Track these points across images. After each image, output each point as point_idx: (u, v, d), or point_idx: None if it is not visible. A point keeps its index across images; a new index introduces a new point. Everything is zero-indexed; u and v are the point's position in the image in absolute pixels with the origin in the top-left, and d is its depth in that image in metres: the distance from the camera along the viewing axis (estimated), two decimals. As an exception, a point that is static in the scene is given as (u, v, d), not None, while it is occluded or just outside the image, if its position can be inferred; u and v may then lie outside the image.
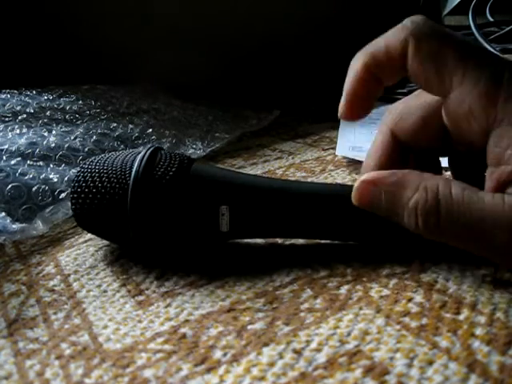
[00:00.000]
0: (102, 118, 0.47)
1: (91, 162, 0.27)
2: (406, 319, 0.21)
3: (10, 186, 0.33)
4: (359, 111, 0.25)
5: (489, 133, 0.21)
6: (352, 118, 0.25)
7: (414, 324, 0.21)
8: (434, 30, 0.22)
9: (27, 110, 0.44)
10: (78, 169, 0.27)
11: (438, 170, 0.27)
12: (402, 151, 0.26)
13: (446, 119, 0.23)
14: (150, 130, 0.47)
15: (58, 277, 0.27)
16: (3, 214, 0.31)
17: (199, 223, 0.26)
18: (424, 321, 0.21)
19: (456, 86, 0.22)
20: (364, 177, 0.23)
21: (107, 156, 0.27)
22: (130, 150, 0.28)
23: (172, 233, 0.26)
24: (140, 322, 0.23)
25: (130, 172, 0.26)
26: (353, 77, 0.24)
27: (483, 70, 0.21)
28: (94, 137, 0.43)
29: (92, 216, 0.26)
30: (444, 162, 0.27)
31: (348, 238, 0.27)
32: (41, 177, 0.35)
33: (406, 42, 0.22)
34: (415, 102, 0.25)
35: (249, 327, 0.22)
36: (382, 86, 0.25)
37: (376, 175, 0.23)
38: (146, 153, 0.26)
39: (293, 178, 0.40)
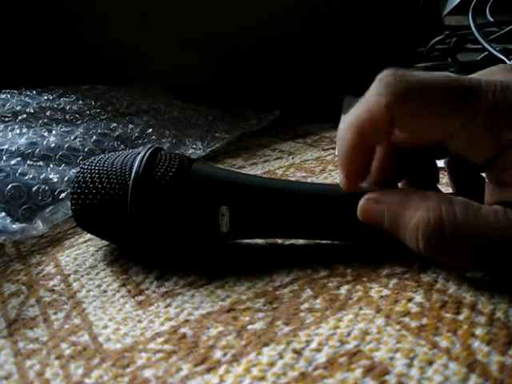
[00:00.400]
0: (102, 117, 0.47)
1: (91, 162, 0.27)
2: (406, 319, 0.21)
3: (10, 185, 0.33)
4: (360, 179, 0.25)
5: (495, 156, 0.21)
6: (356, 187, 0.25)
7: (413, 324, 0.21)
8: (408, 86, 0.22)
9: (27, 110, 0.44)
10: (78, 169, 0.27)
11: (435, 171, 0.27)
12: (399, 155, 0.26)
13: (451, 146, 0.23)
14: (150, 130, 0.47)
15: (58, 277, 0.27)
16: (3, 214, 0.31)
17: (199, 224, 0.26)
18: (424, 321, 0.21)
19: (457, 129, 0.22)
20: (368, 195, 0.24)
21: (107, 156, 0.27)
22: (130, 151, 0.28)
23: (172, 233, 0.26)
24: (140, 322, 0.23)
25: (129, 172, 0.26)
26: (345, 153, 0.24)
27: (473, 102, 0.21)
28: (94, 137, 0.43)
29: (92, 217, 0.26)
30: (439, 162, 0.27)
31: (348, 238, 0.27)
32: (41, 177, 0.35)
33: (389, 109, 0.22)
34: None
35: (249, 327, 0.22)
36: (373, 151, 0.25)
37: (380, 193, 0.24)
38: (145, 153, 0.26)
39: (293, 178, 0.40)
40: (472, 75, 0.23)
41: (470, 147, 0.22)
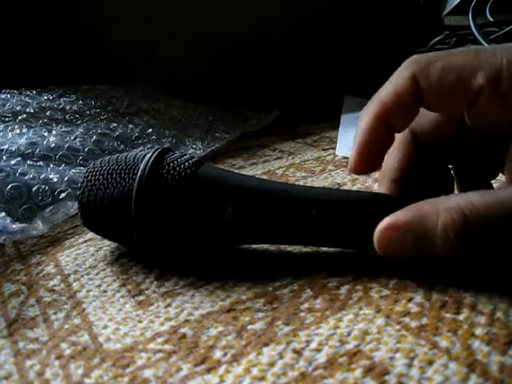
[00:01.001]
0: (102, 118, 0.47)
1: (99, 163, 0.27)
2: (406, 319, 0.21)
3: (10, 185, 0.33)
4: (370, 164, 0.24)
5: None
6: (363, 171, 0.24)
7: (413, 324, 0.21)
8: (431, 57, 0.22)
9: (27, 110, 0.44)
10: (86, 170, 0.27)
11: (450, 180, 0.27)
12: (420, 148, 0.26)
13: (473, 117, 0.23)
14: (150, 130, 0.47)
15: (58, 277, 0.27)
16: (3, 214, 0.31)
17: (204, 228, 0.26)
18: (424, 321, 0.21)
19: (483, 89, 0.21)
20: (381, 225, 0.22)
21: (114, 157, 0.27)
22: (138, 151, 0.27)
23: (176, 237, 0.26)
24: (140, 322, 0.23)
25: (135, 175, 0.25)
26: (363, 128, 0.23)
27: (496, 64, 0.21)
28: (94, 137, 0.43)
29: (98, 219, 0.26)
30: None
31: (356, 245, 0.26)
32: (41, 177, 0.35)
33: (413, 79, 0.22)
34: None
35: (249, 327, 0.22)
36: (393, 137, 0.24)
37: (392, 219, 0.22)
38: (152, 155, 0.26)
39: (293, 178, 0.40)
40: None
41: (496, 103, 0.21)
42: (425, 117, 0.25)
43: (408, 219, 0.22)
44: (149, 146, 0.45)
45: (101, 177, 0.26)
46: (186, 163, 0.26)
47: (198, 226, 0.26)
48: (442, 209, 0.21)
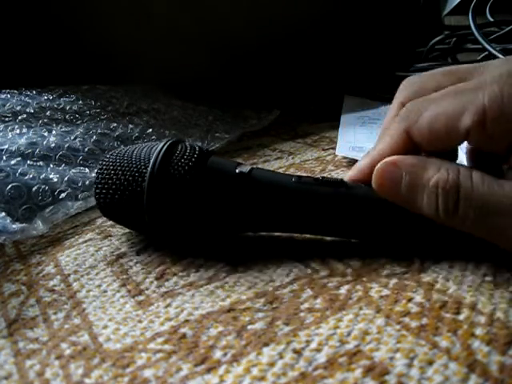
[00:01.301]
0: (102, 118, 0.47)
1: (112, 154, 0.28)
2: (406, 319, 0.21)
3: (10, 185, 0.33)
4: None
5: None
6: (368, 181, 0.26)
7: (413, 324, 0.21)
8: (418, 108, 0.24)
9: (27, 110, 0.44)
10: (101, 161, 0.28)
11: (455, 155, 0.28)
12: (414, 153, 0.26)
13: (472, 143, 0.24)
14: (150, 130, 0.47)
15: (58, 277, 0.27)
16: (3, 214, 0.31)
17: (214, 217, 0.27)
18: (424, 321, 0.21)
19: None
20: (385, 159, 0.24)
21: (127, 148, 0.28)
22: (152, 143, 0.28)
23: (188, 225, 0.27)
24: (140, 322, 0.23)
25: (147, 165, 0.26)
26: (390, 141, 0.25)
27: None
28: (94, 137, 0.43)
29: (114, 207, 0.27)
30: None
31: (349, 234, 0.27)
32: (41, 177, 0.35)
33: (406, 133, 0.24)
34: None
35: (249, 327, 0.22)
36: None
37: (397, 157, 0.24)
38: (164, 145, 0.27)
39: (293, 178, 0.40)
40: (479, 65, 0.24)
41: (486, 140, 0.22)
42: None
43: (411, 162, 0.24)
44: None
45: (115, 167, 0.27)
46: (197, 153, 0.27)
47: (207, 209, 0.27)
48: (443, 166, 0.23)
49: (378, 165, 0.24)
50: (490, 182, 0.22)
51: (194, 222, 0.27)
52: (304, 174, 0.29)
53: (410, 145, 0.25)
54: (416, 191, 0.23)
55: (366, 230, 0.27)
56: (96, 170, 0.28)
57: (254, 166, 0.28)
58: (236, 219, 0.27)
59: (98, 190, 0.28)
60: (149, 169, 0.26)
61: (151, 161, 0.26)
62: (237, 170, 0.27)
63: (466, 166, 0.25)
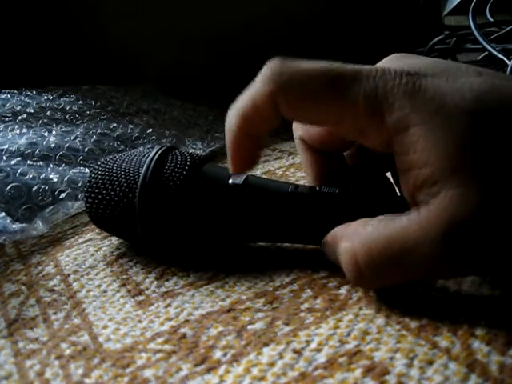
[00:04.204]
0: (102, 118, 0.47)
1: (103, 162, 0.27)
2: (406, 319, 0.21)
3: (10, 185, 0.33)
4: (247, 165, 0.26)
5: (390, 142, 0.21)
6: (242, 171, 0.26)
7: (413, 324, 0.21)
8: (290, 76, 0.22)
9: (27, 110, 0.44)
10: (91, 170, 0.28)
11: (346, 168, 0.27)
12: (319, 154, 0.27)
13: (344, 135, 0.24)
14: (150, 130, 0.47)
15: (58, 277, 0.27)
16: (3, 214, 0.31)
17: (208, 227, 0.26)
18: (424, 321, 0.21)
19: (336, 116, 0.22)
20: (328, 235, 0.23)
21: (118, 157, 0.27)
22: (142, 150, 0.28)
23: (181, 235, 0.26)
24: (140, 322, 0.23)
25: (138, 175, 0.26)
26: (230, 138, 0.25)
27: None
28: (94, 137, 0.43)
29: (104, 218, 0.27)
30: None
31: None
32: (41, 177, 0.35)
33: (272, 98, 0.23)
34: None
35: (249, 327, 0.22)
36: (261, 139, 0.25)
37: (331, 233, 0.23)
38: (155, 155, 0.26)
39: (293, 178, 0.40)
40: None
41: (359, 134, 0.22)
42: (313, 129, 0.26)
43: (328, 239, 0.23)
44: (149, 146, 0.45)
45: (105, 178, 0.26)
46: (188, 164, 0.26)
47: (201, 222, 0.26)
48: (341, 245, 0.21)
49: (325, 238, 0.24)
50: (386, 226, 0.20)
51: (188, 236, 0.26)
52: (301, 182, 0.28)
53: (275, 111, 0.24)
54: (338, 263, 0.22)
55: None
56: (86, 183, 0.27)
57: (250, 174, 0.27)
58: (231, 232, 0.26)
59: (88, 204, 0.27)
60: (139, 183, 0.25)
61: (141, 174, 0.26)
62: (230, 181, 0.26)
63: (365, 220, 0.22)
